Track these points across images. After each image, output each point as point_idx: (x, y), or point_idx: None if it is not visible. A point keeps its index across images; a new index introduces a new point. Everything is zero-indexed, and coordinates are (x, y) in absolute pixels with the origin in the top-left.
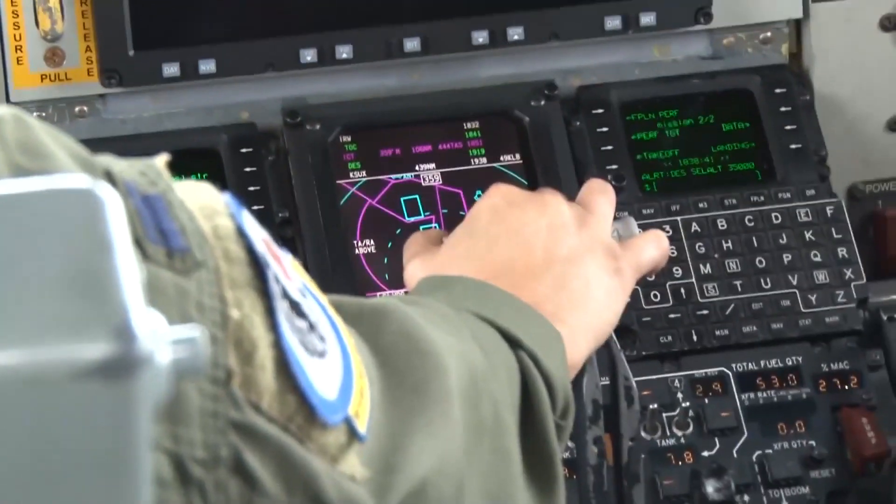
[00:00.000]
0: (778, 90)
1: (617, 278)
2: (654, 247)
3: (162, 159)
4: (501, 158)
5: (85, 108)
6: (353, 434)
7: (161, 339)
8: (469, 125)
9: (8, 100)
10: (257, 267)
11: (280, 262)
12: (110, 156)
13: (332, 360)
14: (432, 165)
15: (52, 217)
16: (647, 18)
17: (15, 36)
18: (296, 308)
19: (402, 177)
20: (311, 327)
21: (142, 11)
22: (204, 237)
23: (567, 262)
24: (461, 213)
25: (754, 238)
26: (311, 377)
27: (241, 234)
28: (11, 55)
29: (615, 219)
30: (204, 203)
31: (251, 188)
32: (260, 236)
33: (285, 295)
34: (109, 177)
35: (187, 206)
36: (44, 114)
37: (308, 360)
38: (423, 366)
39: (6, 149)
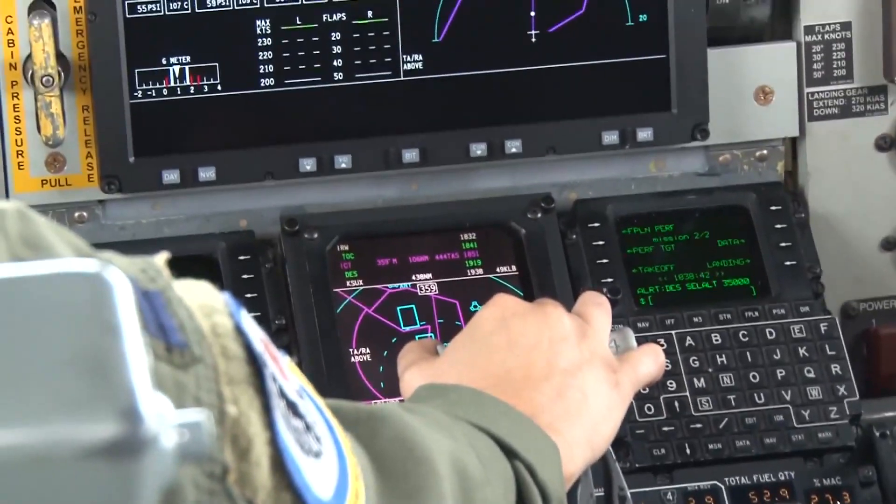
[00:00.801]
0: (773, 207)
1: (615, 391)
2: (651, 361)
3: (162, 257)
4: (497, 270)
5: (84, 214)
6: None
7: (167, 422)
8: (466, 236)
9: None
10: (255, 365)
11: (278, 362)
12: (111, 251)
13: (327, 461)
14: (429, 275)
15: (61, 299)
16: (645, 134)
17: (17, 141)
18: (292, 408)
19: (399, 286)
20: (308, 428)
21: (143, 118)
22: (202, 334)
23: (566, 374)
24: (457, 323)
25: (748, 353)
26: (307, 476)
27: (240, 332)
28: (13, 160)
29: (612, 330)
30: (203, 301)
31: (248, 295)
32: (258, 335)
33: (282, 394)
34: None
35: (186, 303)
36: (51, 220)
37: (304, 459)
38: (418, 472)
39: (8, 241)
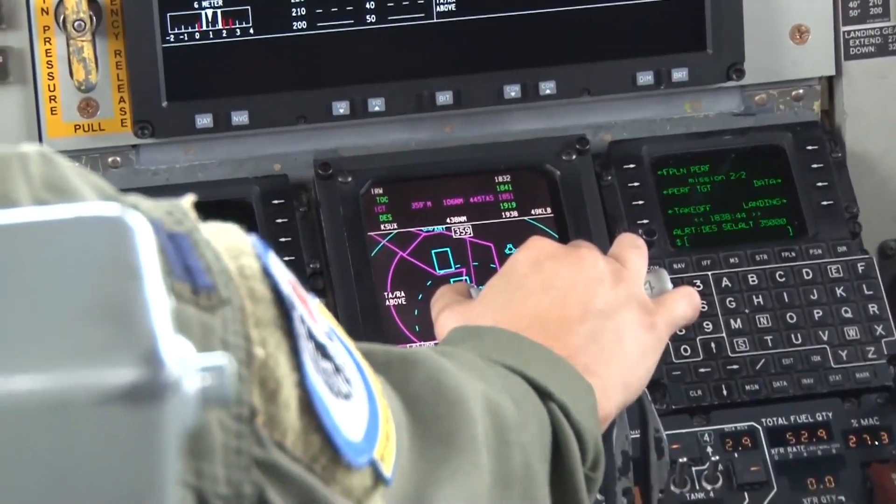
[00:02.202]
0: (810, 147)
1: (651, 334)
2: (686, 303)
3: (188, 200)
4: (532, 212)
5: (118, 159)
6: (378, 477)
7: (189, 367)
8: (500, 178)
9: None
10: (282, 307)
11: (306, 304)
12: (137, 195)
13: (357, 403)
14: (463, 218)
15: (81, 243)
16: (679, 74)
17: (49, 86)
18: (321, 350)
19: (433, 229)
20: (337, 369)
21: (175, 63)
22: (229, 276)
23: (602, 317)
24: (492, 266)
25: (785, 294)
26: (336, 418)
27: (267, 274)
28: (45, 105)
29: (647, 272)
30: (230, 243)
31: (282, 239)
32: (286, 278)
33: (311, 336)
34: None
35: (213, 245)
36: (76, 164)
37: (333, 401)
38: (451, 414)
39: (31, 184)
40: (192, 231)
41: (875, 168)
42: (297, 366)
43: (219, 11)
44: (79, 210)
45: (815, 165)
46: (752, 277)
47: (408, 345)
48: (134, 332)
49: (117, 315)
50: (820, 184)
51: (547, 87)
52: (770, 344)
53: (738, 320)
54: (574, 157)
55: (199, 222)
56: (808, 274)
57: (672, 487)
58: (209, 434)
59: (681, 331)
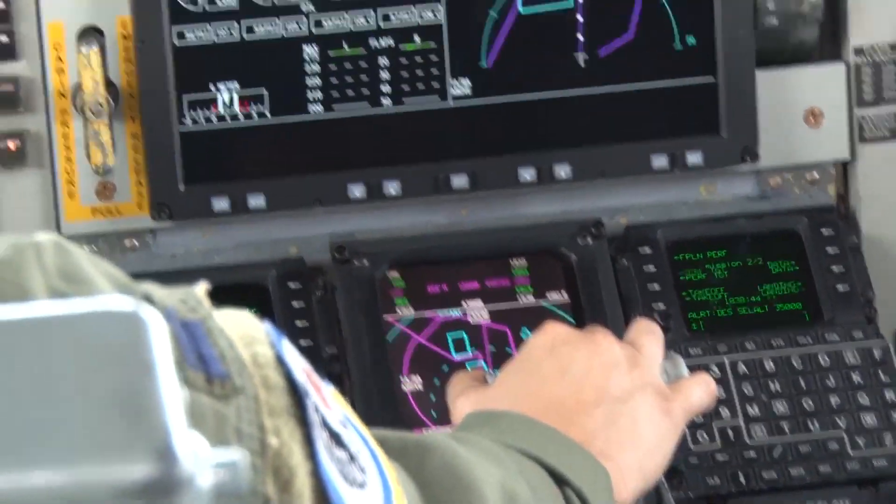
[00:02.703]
0: (825, 231)
1: (667, 419)
2: (702, 390)
3: (202, 287)
4: (548, 296)
5: (135, 242)
6: None
7: (203, 462)
8: (516, 262)
9: (59, 233)
10: (296, 395)
11: (320, 391)
12: (150, 283)
13: (372, 492)
14: (479, 303)
15: (95, 338)
16: (694, 158)
17: (67, 170)
18: (336, 438)
19: (450, 314)
20: (352, 458)
21: (192, 146)
22: (243, 364)
23: (617, 401)
24: (508, 350)
25: (801, 380)
26: None
27: (281, 361)
28: (63, 188)
29: (664, 358)
30: (244, 331)
31: (299, 323)
32: (300, 365)
33: (325, 424)
34: (149, 302)
35: (227, 333)
36: (94, 247)
37: (347, 490)
38: (467, 499)
39: (46, 274)
40: (205, 319)
41: (891, 252)
42: (311, 454)
43: (235, 95)
44: (93, 305)
45: (830, 250)
46: (768, 363)
47: (424, 430)
48: (148, 427)
49: (131, 410)
50: (835, 269)
51: (562, 171)
52: (787, 430)
53: (755, 406)
54: (590, 240)
55: (212, 310)
56: (824, 360)
57: None
58: None
59: (698, 417)
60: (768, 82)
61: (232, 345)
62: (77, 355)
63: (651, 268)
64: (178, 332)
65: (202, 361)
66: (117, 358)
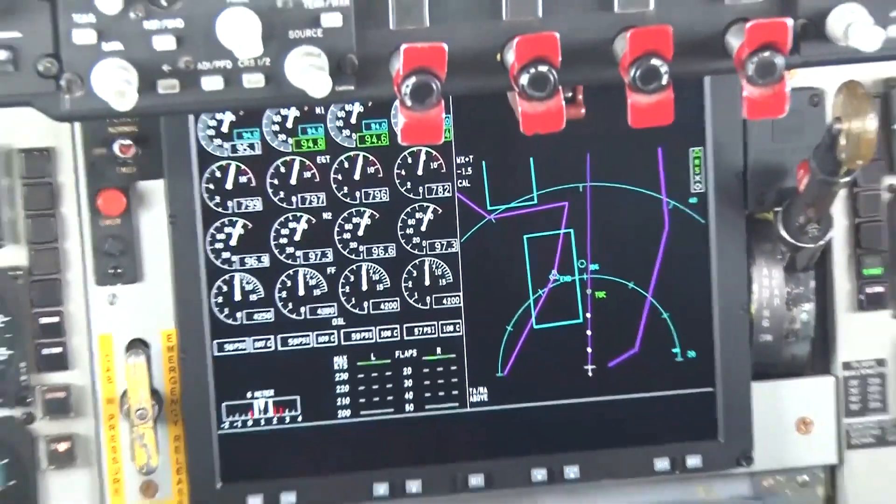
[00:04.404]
0: None
1: None
2: None
3: None
4: None
5: None
6: None
7: None
8: None
9: None
10: None
11: None
12: None
13: None
14: None
15: None
16: (694, 461)
17: (113, 470)
18: None
19: None
20: None
21: (230, 448)
22: None
23: None
24: None
25: None
26: None
27: None
28: (110, 487)
29: None
30: None
31: None
32: None
33: None
34: None
35: None
36: None
37: None
38: None
39: None
40: None
41: None
42: None
43: (270, 401)
44: None
45: None
46: None
47: None
48: None
49: None
50: None
51: (571, 471)
52: None
53: None
54: None
55: None
56: None
57: None
58: None
59: None
60: (763, 393)
61: None
62: None
63: None
64: None
65: None
66: None
